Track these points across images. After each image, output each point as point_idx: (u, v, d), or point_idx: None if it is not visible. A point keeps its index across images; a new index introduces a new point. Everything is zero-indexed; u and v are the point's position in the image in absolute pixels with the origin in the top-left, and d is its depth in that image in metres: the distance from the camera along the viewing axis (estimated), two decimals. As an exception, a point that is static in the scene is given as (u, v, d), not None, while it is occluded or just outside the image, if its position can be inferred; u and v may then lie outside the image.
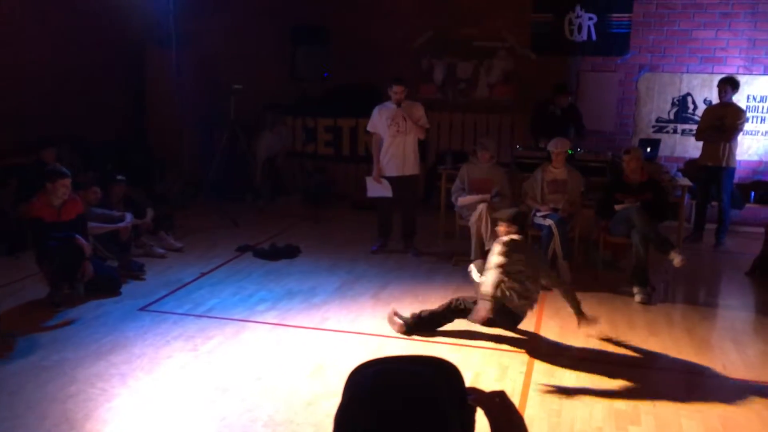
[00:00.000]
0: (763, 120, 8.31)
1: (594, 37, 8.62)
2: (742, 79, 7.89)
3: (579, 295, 5.28)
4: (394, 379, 1.11)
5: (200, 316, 5.00)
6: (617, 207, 5.97)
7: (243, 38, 9.49)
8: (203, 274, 6.01)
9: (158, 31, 8.47)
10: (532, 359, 4.37)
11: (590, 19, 8.59)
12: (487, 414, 1.20)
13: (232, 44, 9.48)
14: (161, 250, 6.54)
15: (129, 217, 6.06)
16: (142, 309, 5.12)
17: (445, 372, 1.17)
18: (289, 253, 6.69)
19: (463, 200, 6.54)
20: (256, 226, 7.76)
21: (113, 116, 8.85)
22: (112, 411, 3.56)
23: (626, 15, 8.48)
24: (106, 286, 5.41)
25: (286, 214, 8.53)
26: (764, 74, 8.22)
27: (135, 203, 6.60)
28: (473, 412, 1.19)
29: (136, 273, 5.86)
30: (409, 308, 5.24)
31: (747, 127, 7.93)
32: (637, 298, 5.58)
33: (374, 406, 1.07)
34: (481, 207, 6.21)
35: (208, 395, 3.76)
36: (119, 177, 6.50)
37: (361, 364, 1.18)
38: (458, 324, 4.91)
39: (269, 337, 4.63)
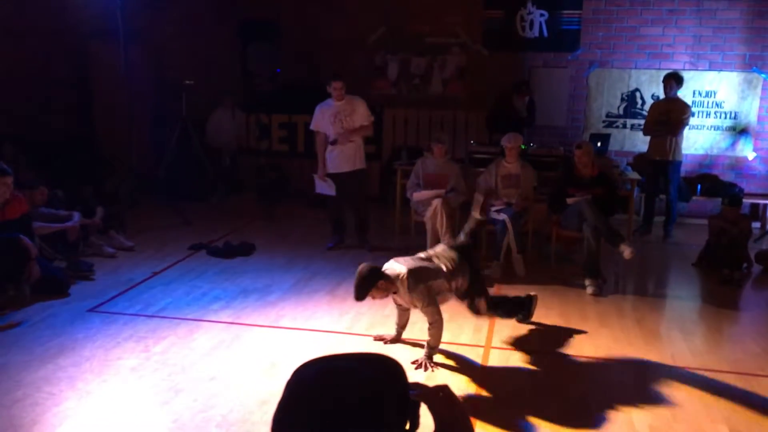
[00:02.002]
0: (708, 114, 8.55)
1: (545, 33, 8.74)
2: (688, 75, 8.11)
3: (534, 288, 5.37)
4: (335, 377, 1.11)
5: (152, 316, 4.90)
6: (569, 201, 6.07)
7: (194, 33, 9.34)
8: (155, 274, 5.90)
9: (105, 26, 8.25)
10: (487, 352, 4.40)
11: (541, 15, 8.71)
12: (431, 408, 1.20)
13: (183, 39, 9.32)
14: (111, 250, 6.38)
15: (77, 216, 5.91)
16: (91, 310, 4.99)
17: (386, 368, 1.17)
18: (244, 250, 6.61)
19: (418, 195, 6.56)
20: (209, 224, 7.65)
21: (59, 113, 8.60)
22: (60, 415, 3.46)
23: (576, 12, 8.63)
24: (54, 287, 5.25)
25: (240, 211, 8.43)
26: (709, 70, 8.46)
27: (84, 202, 6.43)
28: (417, 406, 1.19)
29: (84, 273, 5.71)
30: (365, 303, 5.24)
31: (693, 121, 8.16)
32: (589, 290, 5.69)
33: (313, 404, 1.06)
34: (436, 202, 6.24)
35: (160, 397, 3.69)
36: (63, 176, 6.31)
37: (304, 363, 1.17)
38: (414, 319, 4.93)
39: (223, 337, 4.56)
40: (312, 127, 6.77)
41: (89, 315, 4.90)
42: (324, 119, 6.60)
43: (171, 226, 7.51)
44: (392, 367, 1.12)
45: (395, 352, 4.32)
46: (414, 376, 3.96)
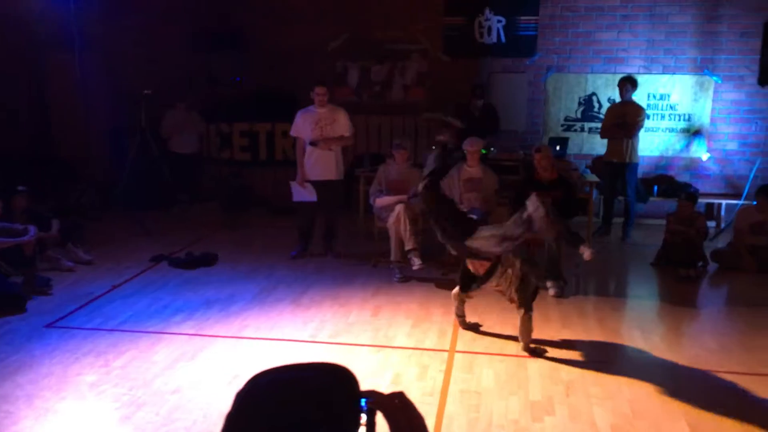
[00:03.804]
0: (662, 117, 8.75)
1: (503, 39, 8.85)
2: (642, 78, 8.29)
3: (497, 292, 5.41)
4: (285, 388, 1.10)
5: (112, 330, 4.82)
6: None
7: (155, 43, 9.23)
8: (115, 287, 5.80)
9: (60, 36, 8.11)
10: (452, 357, 4.43)
11: (499, 21, 8.82)
12: (386, 416, 1.21)
13: (143, 49, 9.20)
14: (69, 263, 6.26)
15: (33, 230, 5.78)
16: (49, 326, 4.89)
17: (338, 377, 1.17)
18: (206, 261, 6.54)
19: (381, 201, 6.57)
20: (171, 235, 7.55)
21: (16, 125, 8.42)
22: (16, 435, 3.38)
23: (533, 18, 8.75)
24: (10, 303, 5.13)
25: (202, 221, 8.34)
26: (663, 73, 8.66)
27: (39, 215, 6.29)
28: (373, 414, 1.19)
29: (42, 288, 5.58)
30: (329, 311, 5.24)
31: (648, 124, 8.34)
32: (551, 291, 5.77)
33: (263, 415, 1.06)
34: (399, 208, 6.26)
35: (121, 412, 3.63)
36: (20, 188, 6.19)
37: (255, 374, 1.17)
38: (379, 326, 4.94)
39: (185, 349, 4.50)
40: (292, 132, 6.72)
41: (47, 331, 4.79)
42: (305, 125, 6.56)
43: (132, 237, 7.40)
44: (344, 376, 1.12)
45: (351, 361, 4.34)
46: (369, 384, 3.98)
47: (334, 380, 1.14)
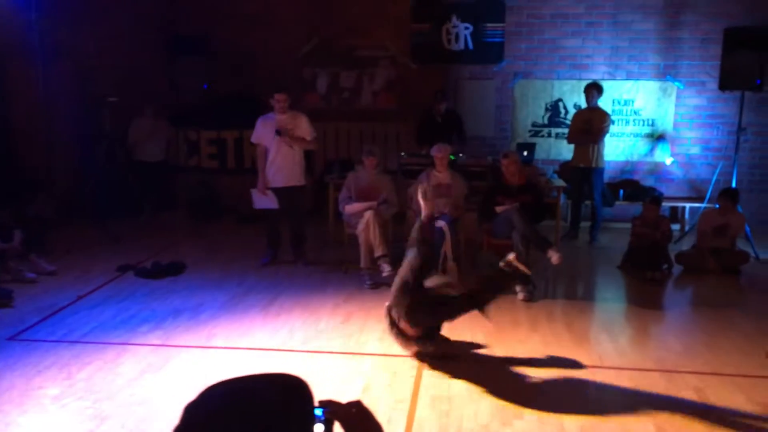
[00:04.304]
0: (627, 122, 8.89)
1: (470, 46, 8.92)
2: (607, 84, 8.42)
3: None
4: (236, 400, 1.09)
5: (76, 341, 4.72)
6: (498, 209, 6.19)
7: (120, 49, 9.08)
8: (80, 297, 5.68)
9: (21, 41, 7.95)
10: (422, 363, 4.43)
11: (466, 28, 8.89)
12: (344, 425, 1.20)
13: (108, 55, 9.04)
14: (32, 275, 6.11)
15: (-7, 240, 5.65)
16: (10, 338, 4.77)
17: (291, 388, 1.16)
18: (174, 270, 6.45)
19: (351, 208, 6.56)
20: (138, 243, 7.44)
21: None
22: (-24, 451, 3.29)
23: (500, 25, 8.84)
24: (-31, 316, 5.01)
25: (169, 229, 8.24)
26: (627, 79, 8.81)
27: (0, 226, 6.16)
28: (331, 424, 1.19)
29: (3, 301, 5.44)
30: (299, 318, 5.21)
31: (613, 129, 8.47)
32: (520, 296, 5.80)
33: (206, 426, 1.05)
34: (368, 214, 6.25)
35: (84, 425, 3.55)
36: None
37: (206, 387, 1.15)
38: (350, 332, 4.92)
39: (152, 359, 4.43)
40: (253, 140, 6.67)
41: (8, 344, 4.67)
42: (266, 132, 6.52)
43: (97, 246, 7.27)
44: (298, 386, 1.12)
45: (321, 368, 4.31)
46: (325, 394, 3.96)
47: (286, 391, 1.13)
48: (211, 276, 6.36)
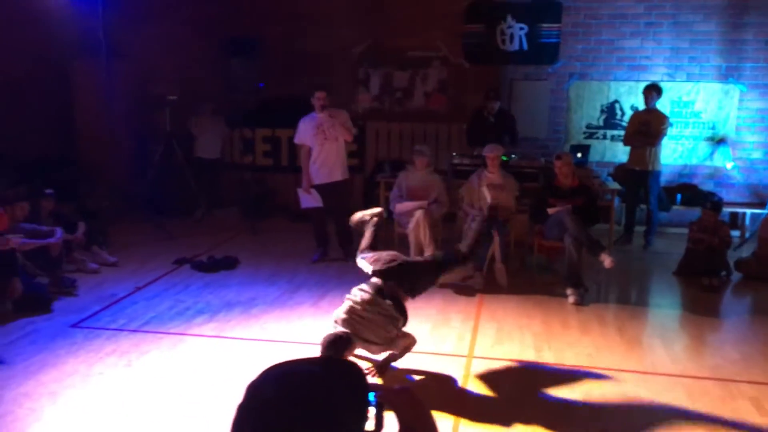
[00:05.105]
0: (686, 125, 8.68)
1: (525, 46, 8.85)
2: (666, 86, 8.23)
3: (516, 298, 5.45)
4: (295, 381, 1.13)
5: (135, 330, 4.89)
6: (550, 211, 6.14)
7: (178, 49, 9.36)
8: (138, 288, 5.88)
9: (87, 42, 8.27)
10: (470, 362, 4.43)
11: (521, 29, 8.82)
12: (395, 411, 1.23)
13: (166, 55, 9.34)
14: (94, 265, 6.36)
15: (59, 232, 5.88)
16: (73, 326, 4.98)
17: (344, 370, 1.20)
18: (228, 264, 6.61)
19: (401, 207, 6.61)
20: (193, 239, 7.64)
21: (40, 130, 8.57)
22: (41, 431, 3.45)
23: (556, 25, 8.74)
24: (36, 303, 5.24)
25: (224, 226, 8.43)
26: (687, 81, 8.60)
27: (65, 218, 6.42)
28: (381, 409, 1.22)
29: (67, 289, 5.69)
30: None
31: (672, 132, 8.28)
32: (571, 299, 5.74)
33: (269, 404, 1.09)
34: (419, 214, 6.29)
35: (143, 411, 3.68)
36: (47, 191, 6.32)
37: (266, 368, 1.20)
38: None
39: (207, 350, 4.56)
40: (296, 140, 6.81)
41: (72, 330, 4.88)
42: (307, 132, 6.65)
43: (154, 241, 7.50)
44: (353, 370, 1.16)
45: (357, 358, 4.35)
46: (378, 379, 4.00)
47: (342, 374, 1.17)
48: (264, 271, 6.49)
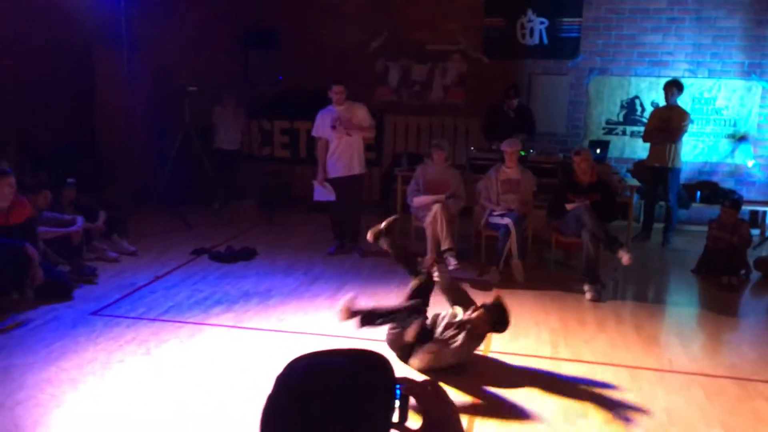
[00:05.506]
0: (707, 122, 8.60)
1: (545, 41, 8.80)
2: (687, 82, 8.15)
3: (533, 294, 5.45)
4: (323, 372, 1.15)
5: (154, 319, 4.95)
6: (568, 207, 6.12)
7: (197, 41, 9.41)
8: (158, 278, 5.95)
9: (108, 33, 8.33)
10: (485, 356, 4.44)
11: (542, 23, 8.77)
12: (419, 403, 1.25)
13: (185, 47, 9.39)
14: (114, 254, 6.44)
15: (80, 220, 5.96)
16: (94, 313, 5.04)
17: (371, 362, 1.21)
18: (246, 255, 6.66)
19: (419, 200, 6.61)
20: (211, 230, 7.70)
21: (61, 119, 8.66)
22: (61, 417, 3.51)
23: (576, 19, 8.68)
24: (58, 291, 5.30)
25: (241, 217, 8.48)
26: (709, 77, 8.51)
27: (86, 207, 6.50)
28: (406, 400, 1.23)
29: (88, 277, 5.76)
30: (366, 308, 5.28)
31: (692, 128, 8.20)
32: (588, 295, 5.72)
33: (302, 397, 1.11)
34: (436, 207, 6.29)
35: (161, 399, 3.73)
36: (69, 180, 6.40)
37: (294, 358, 1.22)
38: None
39: (225, 340, 4.61)
40: (314, 133, 6.83)
41: (92, 318, 4.95)
42: (325, 125, 6.67)
43: (173, 231, 7.57)
44: (379, 362, 1.17)
45: (383, 349, 4.37)
46: (402, 371, 4.01)
47: (369, 366, 1.19)
48: (281, 263, 6.53)
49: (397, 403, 1.22)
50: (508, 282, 6.07)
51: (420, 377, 3.25)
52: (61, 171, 7.10)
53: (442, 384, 1.30)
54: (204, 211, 8.57)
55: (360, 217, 6.96)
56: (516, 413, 3.68)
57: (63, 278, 5.49)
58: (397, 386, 1.22)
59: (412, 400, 1.24)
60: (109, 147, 8.88)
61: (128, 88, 8.29)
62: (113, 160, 8.74)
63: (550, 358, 4.49)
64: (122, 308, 5.18)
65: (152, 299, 5.40)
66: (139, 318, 4.96)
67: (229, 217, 8.50)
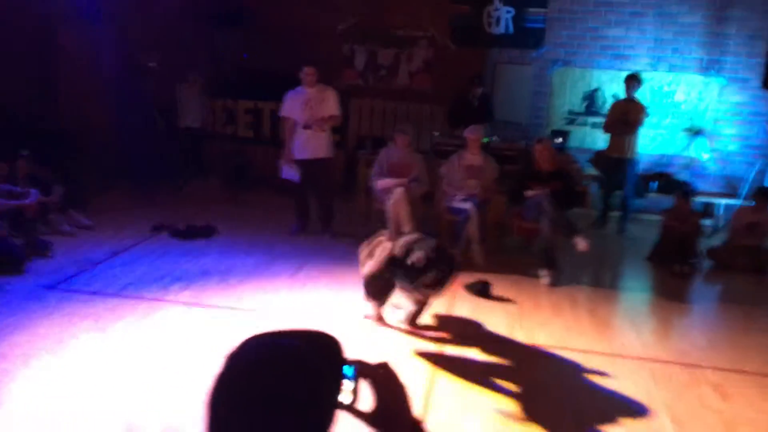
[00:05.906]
0: (666, 115, 8.78)
1: (511, 30, 8.86)
2: (648, 76, 8.31)
3: (492, 277, 5.52)
4: (275, 353, 1.16)
5: (110, 295, 4.87)
6: (528, 194, 6.20)
7: (164, 18, 9.20)
8: (115, 254, 5.85)
9: (72, 7, 8.11)
10: (443, 341, 4.49)
11: (508, 12, 8.83)
12: (371, 384, 1.26)
13: (153, 23, 9.18)
14: (68, 228, 6.31)
15: (34, 193, 5.83)
16: (48, 288, 4.94)
17: (321, 343, 1.23)
18: (206, 232, 6.60)
19: (382, 183, 6.62)
20: (173, 207, 7.60)
21: (23, 92, 8.42)
22: (13, 391, 3.44)
23: (542, 10, 8.76)
24: (8, 263, 5.18)
25: (204, 195, 8.39)
26: (669, 72, 8.68)
27: (41, 180, 6.35)
28: (357, 382, 1.25)
29: (42, 251, 5.63)
30: (325, 288, 5.30)
31: (651, 121, 8.37)
32: (544, 280, 5.83)
33: (246, 374, 1.12)
34: (399, 191, 6.31)
35: (115, 376, 3.69)
36: (23, 152, 6.24)
37: (245, 339, 1.22)
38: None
39: (183, 317, 4.57)
40: (281, 113, 6.78)
41: (46, 293, 4.85)
42: (294, 106, 6.62)
43: (133, 207, 7.45)
44: (332, 344, 1.18)
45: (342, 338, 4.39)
46: (354, 353, 4.04)
47: (320, 347, 1.20)
48: (242, 242, 6.49)
49: (349, 384, 1.23)
50: (468, 265, 6.13)
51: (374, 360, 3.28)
52: (18, 144, 6.91)
53: (393, 367, 1.32)
54: (166, 188, 8.45)
55: (332, 203, 6.95)
56: (471, 395, 3.73)
57: (15, 251, 5.36)
58: (350, 368, 1.24)
59: (364, 381, 1.25)
60: (71, 122, 8.68)
61: (90, 63, 8.10)
62: (75, 135, 8.54)
63: (506, 339, 4.56)
64: (78, 283, 5.09)
65: (109, 275, 5.31)
66: (95, 293, 4.88)
67: (191, 194, 8.40)
